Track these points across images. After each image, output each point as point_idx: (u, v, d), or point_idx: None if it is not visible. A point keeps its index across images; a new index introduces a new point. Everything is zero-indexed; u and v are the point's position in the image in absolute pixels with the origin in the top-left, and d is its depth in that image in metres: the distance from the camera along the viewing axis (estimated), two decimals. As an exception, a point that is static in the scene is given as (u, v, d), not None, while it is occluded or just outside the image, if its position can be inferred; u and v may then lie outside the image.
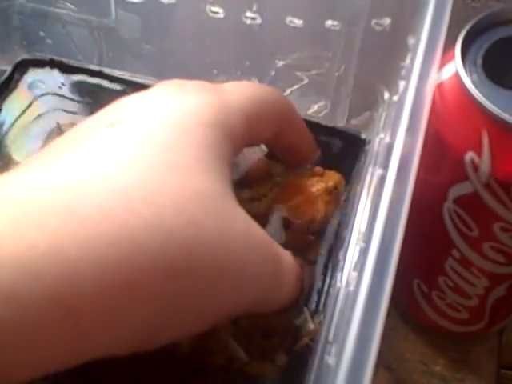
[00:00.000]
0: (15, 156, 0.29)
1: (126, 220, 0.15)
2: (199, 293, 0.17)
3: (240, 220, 0.18)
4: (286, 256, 0.21)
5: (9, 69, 0.32)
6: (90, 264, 0.14)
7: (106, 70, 0.32)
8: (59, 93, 0.32)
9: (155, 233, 0.15)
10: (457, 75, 0.22)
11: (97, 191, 0.15)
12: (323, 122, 0.31)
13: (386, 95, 0.28)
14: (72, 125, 0.31)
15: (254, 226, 0.19)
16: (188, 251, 0.16)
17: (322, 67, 0.31)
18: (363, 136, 0.31)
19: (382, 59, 0.29)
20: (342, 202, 0.25)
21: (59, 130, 0.31)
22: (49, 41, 0.33)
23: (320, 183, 0.24)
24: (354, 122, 0.32)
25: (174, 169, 0.16)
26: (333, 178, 0.25)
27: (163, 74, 0.32)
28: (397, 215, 0.17)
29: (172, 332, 0.17)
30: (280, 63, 0.31)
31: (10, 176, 0.16)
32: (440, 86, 0.22)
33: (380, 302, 0.16)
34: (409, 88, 0.20)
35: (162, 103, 0.19)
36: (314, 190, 0.24)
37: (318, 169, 0.25)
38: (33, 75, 0.32)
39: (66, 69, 0.32)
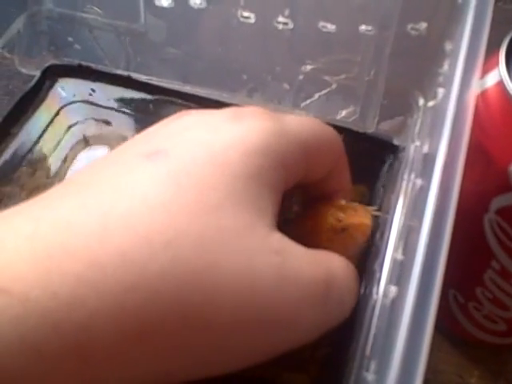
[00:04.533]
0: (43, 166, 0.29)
1: (144, 266, 0.15)
2: (220, 341, 0.16)
3: (271, 252, 0.17)
4: (341, 269, 0.19)
5: (37, 74, 0.32)
6: (106, 313, 0.14)
7: (134, 75, 0.32)
8: (89, 100, 0.32)
9: (170, 279, 0.15)
10: (501, 83, 0.21)
11: (120, 237, 0.15)
12: (354, 128, 0.31)
13: (421, 101, 0.28)
14: (100, 137, 0.31)
15: (292, 253, 0.17)
16: (205, 297, 0.15)
17: (351, 71, 0.30)
18: (396, 142, 0.31)
19: (417, 64, 0.28)
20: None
21: (85, 142, 0.31)
22: (77, 46, 0.33)
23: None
24: (383, 126, 0.31)
25: (202, 207, 0.16)
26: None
27: (192, 79, 0.32)
28: (441, 228, 0.17)
29: (194, 373, 0.17)
30: (308, 67, 0.30)
31: (35, 206, 0.16)
32: (482, 95, 0.22)
33: (426, 320, 0.16)
34: (450, 96, 0.19)
35: (212, 131, 0.18)
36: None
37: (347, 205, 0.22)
38: (62, 82, 0.32)
39: (94, 74, 0.32)
